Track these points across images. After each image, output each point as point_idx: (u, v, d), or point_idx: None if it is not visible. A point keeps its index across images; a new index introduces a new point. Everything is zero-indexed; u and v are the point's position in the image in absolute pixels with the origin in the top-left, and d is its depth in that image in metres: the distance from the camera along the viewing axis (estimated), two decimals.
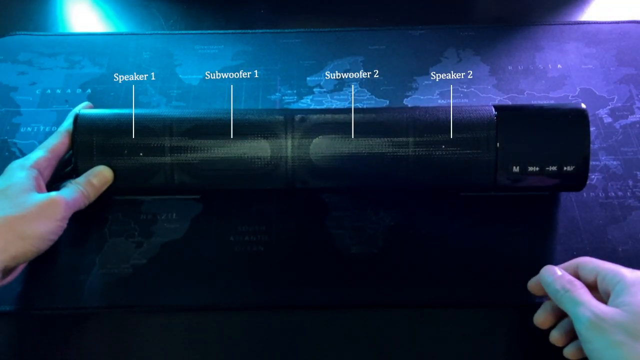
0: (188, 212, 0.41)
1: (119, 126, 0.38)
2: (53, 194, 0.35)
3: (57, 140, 0.38)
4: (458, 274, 0.38)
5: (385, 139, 0.37)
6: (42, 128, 0.46)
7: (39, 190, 0.35)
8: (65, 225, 0.35)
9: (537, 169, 0.37)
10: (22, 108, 0.47)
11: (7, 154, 0.44)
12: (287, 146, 0.37)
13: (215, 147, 0.37)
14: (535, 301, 0.37)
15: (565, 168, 0.37)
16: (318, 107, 0.47)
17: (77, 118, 0.38)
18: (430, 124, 0.37)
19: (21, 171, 0.35)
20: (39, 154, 0.37)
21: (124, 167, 0.38)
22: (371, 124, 0.38)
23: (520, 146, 0.37)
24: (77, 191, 0.36)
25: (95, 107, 0.47)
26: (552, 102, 0.47)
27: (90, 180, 0.37)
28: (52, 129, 0.46)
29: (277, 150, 0.37)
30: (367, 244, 0.39)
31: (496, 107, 0.38)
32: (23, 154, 0.44)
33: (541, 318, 0.35)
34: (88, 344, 0.36)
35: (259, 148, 0.37)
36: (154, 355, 0.36)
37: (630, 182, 0.42)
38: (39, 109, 0.47)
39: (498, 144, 0.37)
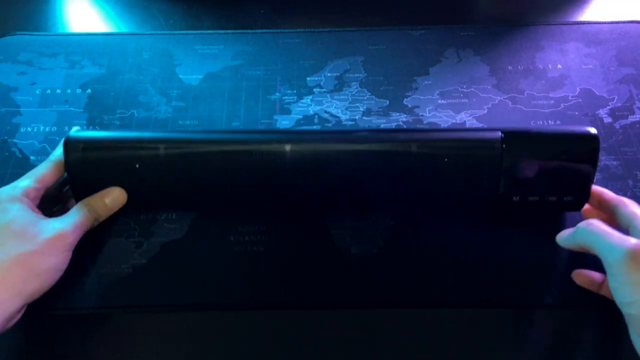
0: (188, 212, 0.41)
1: (110, 156, 0.37)
2: (60, 226, 0.34)
3: (46, 170, 0.36)
4: (458, 274, 0.38)
5: (387, 167, 0.37)
6: (42, 128, 0.46)
7: (41, 219, 0.34)
8: (71, 254, 0.35)
9: (537, 198, 0.37)
10: (22, 108, 0.47)
11: (7, 154, 0.44)
12: (284, 176, 0.37)
13: (210, 175, 0.37)
14: (535, 302, 0.37)
15: (565, 198, 0.37)
16: (318, 107, 0.47)
17: (67, 148, 0.37)
18: (434, 155, 0.36)
19: (14, 203, 0.34)
20: (26, 183, 0.35)
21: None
22: (369, 153, 0.37)
23: (523, 179, 0.36)
24: (83, 216, 0.35)
25: (94, 107, 0.47)
26: (552, 102, 0.47)
27: (104, 201, 0.36)
28: (52, 129, 0.46)
29: (275, 178, 0.37)
30: (367, 244, 0.39)
31: (504, 134, 0.36)
32: (23, 154, 0.44)
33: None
34: (88, 344, 0.36)
35: (254, 175, 0.37)
36: (154, 355, 0.36)
37: (630, 182, 0.42)
38: (39, 109, 0.47)
39: (502, 175, 0.36)
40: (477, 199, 0.38)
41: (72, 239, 0.34)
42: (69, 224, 0.34)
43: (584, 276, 0.36)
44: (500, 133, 0.36)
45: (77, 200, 0.37)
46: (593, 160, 0.36)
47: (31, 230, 0.33)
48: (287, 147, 0.36)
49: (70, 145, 0.37)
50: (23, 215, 0.33)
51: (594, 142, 0.36)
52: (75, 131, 0.38)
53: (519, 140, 0.36)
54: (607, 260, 0.31)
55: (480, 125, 0.46)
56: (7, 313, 0.31)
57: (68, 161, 0.37)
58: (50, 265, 0.33)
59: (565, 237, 0.36)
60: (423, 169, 0.36)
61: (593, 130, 0.36)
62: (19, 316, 0.33)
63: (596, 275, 0.36)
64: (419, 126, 0.46)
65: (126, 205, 0.38)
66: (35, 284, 0.32)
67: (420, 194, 0.38)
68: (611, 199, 0.36)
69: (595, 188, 0.37)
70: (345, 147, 0.37)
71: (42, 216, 0.35)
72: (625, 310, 0.30)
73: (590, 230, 0.32)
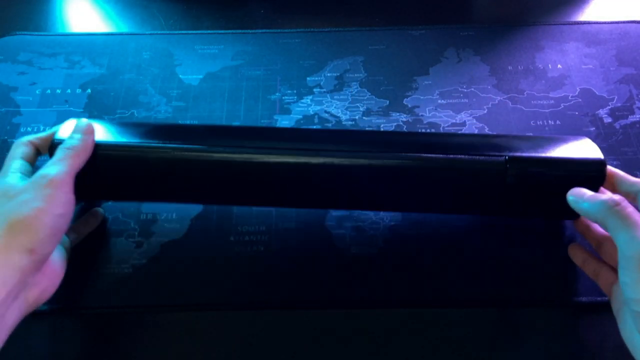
0: (188, 212, 0.41)
1: (112, 160, 0.35)
2: (41, 171, 0.32)
3: (50, 133, 0.36)
4: (458, 274, 0.38)
5: (387, 181, 0.36)
6: (42, 128, 0.46)
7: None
8: (71, 198, 0.32)
9: (537, 215, 0.38)
10: (22, 108, 0.47)
11: (7, 153, 0.44)
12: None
13: (212, 178, 0.36)
14: (534, 302, 0.37)
15: (565, 216, 0.38)
16: (318, 107, 0.47)
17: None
18: (435, 173, 0.35)
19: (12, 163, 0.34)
20: (28, 138, 0.36)
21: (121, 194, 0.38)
22: (369, 168, 0.35)
23: (525, 201, 0.36)
24: (66, 154, 0.33)
25: (94, 107, 0.47)
26: (551, 102, 0.47)
27: (77, 135, 0.34)
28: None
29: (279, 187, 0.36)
30: (367, 244, 0.39)
31: (508, 158, 0.34)
32: None
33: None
34: (88, 344, 0.36)
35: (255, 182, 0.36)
36: (154, 355, 0.36)
37: None
38: (39, 109, 0.47)
39: (503, 196, 0.35)
40: (478, 211, 0.38)
41: (56, 178, 0.31)
42: (46, 169, 0.32)
43: (575, 249, 0.37)
44: (504, 157, 0.34)
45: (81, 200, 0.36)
46: (597, 185, 0.34)
47: (12, 187, 0.31)
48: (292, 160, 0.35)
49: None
50: (15, 170, 0.33)
51: (600, 169, 0.34)
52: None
53: (523, 165, 0.34)
54: (625, 253, 0.28)
55: (480, 125, 0.46)
56: (15, 270, 0.29)
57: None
58: (37, 209, 0.30)
59: (581, 203, 0.32)
60: (424, 184, 0.35)
61: (599, 155, 0.35)
62: (39, 289, 0.31)
63: (584, 250, 0.36)
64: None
65: (127, 196, 0.38)
66: (30, 233, 0.29)
67: (421, 205, 0.38)
68: (633, 183, 0.33)
69: (613, 170, 0.34)
70: (348, 162, 0.35)
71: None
72: (633, 307, 0.28)
73: (616, 212, 0.29)
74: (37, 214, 0.30)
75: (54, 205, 0.31)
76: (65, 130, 0.36)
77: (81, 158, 0.34)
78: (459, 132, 0.46)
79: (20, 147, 0.35)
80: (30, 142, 0.36)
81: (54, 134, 0.36)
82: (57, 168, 0.32)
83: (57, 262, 0.33)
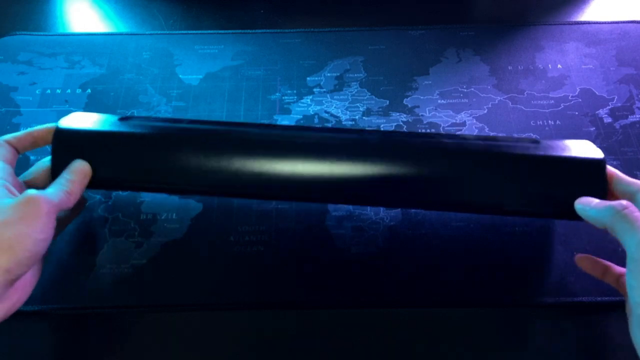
0: (188, 212, 0.41)
1: (103, 152, 0.35)
2: (29, 192, 0.31)
3: (28, 131, 0.35)
4: (458, 274, 0.38)
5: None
6: None
7: (17, 188, 0.33)
8: (53, 225, 0.31)
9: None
10: (22, 108, 0.47)
11: None
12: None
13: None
14: (535, 302, 0.37)
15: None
16: (318, 107, 0.47)
17: (56, 135, 0.35)
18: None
19: None
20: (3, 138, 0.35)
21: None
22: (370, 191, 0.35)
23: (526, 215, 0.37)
24: (60, 190, 0.33)
25: (94, 107, 0.47)
26: (552, 102, 0.47)
27: (72, 177, 0.34)
28: None
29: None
30: (367, 244, 0.39)
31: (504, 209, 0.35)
32: (23, 154, 0.44)
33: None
34: (88, 344, 0.36)
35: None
36: (154, 355, 0.36)
37: None
38: (39, 109, 0.47)
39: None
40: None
41: (44, 204, 0.31)
42: (41, 191, 0.32)
43: (588, 261, 0.35)
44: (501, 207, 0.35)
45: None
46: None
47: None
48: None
49: (60, 137, 0.35)
50: None
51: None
52: (66, 119, 0.37)
53: (520, 209, 0.35)
54: (633, 256, 0.28)
55: (480, 125, 0.46)
56: None
57: (56, 151, 0.35)
58: (22, 234, 0.29)
59: (588, 210, 0.31)
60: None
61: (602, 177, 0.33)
62: (10, 302, 0.30)
63: (602, 262, 0.35)
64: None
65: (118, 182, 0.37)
66: (10, 256, 0.29)
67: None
68: (630, 184, 0.32)
69: (611, 171, 0.34)
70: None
71: (10, 190, 0.32)
72: (638, 311, 0.28)
73: (624, 215, 0.29)
74: (19, 237, 0.29)
75: (37, 230, 0.30)
76: (71, 121, 0.36)
77: (71, 201, 0.33)
78: (455, 133, 0.45)
79: None
80: (7, 142, 0.35)
81: (31, 132, 0.35)
82: (48, 195, 0.31)
83: (30, 273, 0.32)
